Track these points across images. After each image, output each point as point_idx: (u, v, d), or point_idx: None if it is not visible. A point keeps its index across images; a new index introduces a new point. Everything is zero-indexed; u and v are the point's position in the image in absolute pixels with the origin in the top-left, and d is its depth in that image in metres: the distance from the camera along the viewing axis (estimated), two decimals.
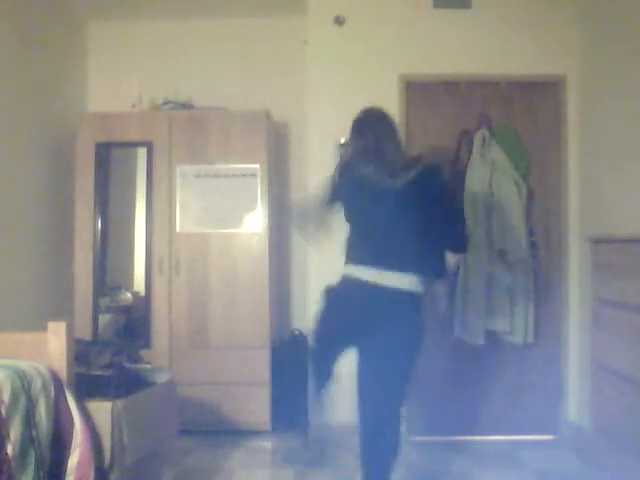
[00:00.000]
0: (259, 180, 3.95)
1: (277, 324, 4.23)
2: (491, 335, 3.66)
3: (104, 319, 4.07)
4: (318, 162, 3.81)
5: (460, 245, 2.64)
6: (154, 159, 3.99)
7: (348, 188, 2.60)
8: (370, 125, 2.61)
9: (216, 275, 3.94)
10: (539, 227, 3.82)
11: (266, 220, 3.95)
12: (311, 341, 2.74)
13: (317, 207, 2.72)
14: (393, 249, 2.48)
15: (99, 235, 4.02)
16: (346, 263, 2.57)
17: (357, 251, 2.55)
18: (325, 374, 2.72)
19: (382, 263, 2.44)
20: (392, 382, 2.50)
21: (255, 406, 3.88)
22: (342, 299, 2.57)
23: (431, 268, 2.53)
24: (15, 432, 1.90)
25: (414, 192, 2.45)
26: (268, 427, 3.89)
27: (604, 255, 2.80)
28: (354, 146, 2.64)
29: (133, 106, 4.13)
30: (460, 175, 3.72)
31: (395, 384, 2.51)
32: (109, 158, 4.11)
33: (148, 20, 4.47)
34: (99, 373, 2.41)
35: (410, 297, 2.46)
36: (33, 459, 1.94)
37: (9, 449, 1.87)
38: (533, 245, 3.73)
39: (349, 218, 2.61)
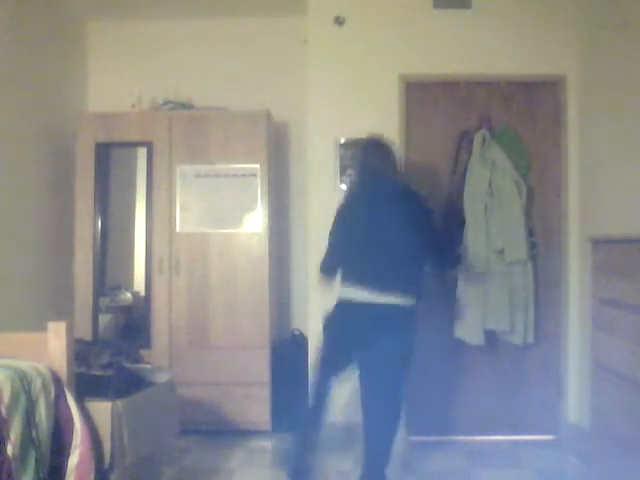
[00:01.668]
0: (259, 180, 3.95)
1: (277, 324, 4.23)
2: (491, 335, 3.66)
3: (104, 319, 4.07)
4: (318, 162, 3.81)
5: (448, 267, 3.05)
6: (154, 159, 3.98)
7: (344, 216, 2.87)
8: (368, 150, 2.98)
9: (216, 275, 3.94)
10: (539, 227, 3.81)
11: (266, 220, 3.95)
12: (313, 366, 2.93)
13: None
14: (385, 271, 2.69)
15: (99, 235, 4.02)
16: (343, 285, 2.78)
17: (352, 273, 2.76)
18: (321, 398, 2.83)
19: (376, 285, 2.66)
20: (393, 386, 2.72)
21: (255, 406, 3.88)
22: (340, 321, 2.78)
23: (415, 289, 2.74)
24: (15, 432, 1.90)
25: (398, 205, 2.75)
26: (268, 427, 3.89)
27: (604, 255, 2.80)
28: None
29: (133, 106, 4.12)
30: (459, 178, 3.73)
31: (396, 387, 2.72)
32: (109, 158, 4.12)
33: (148, 20, 4.47)
34: (99, 373, 2.41)
35: (403, 310, 2.69)
36: (33, 459, 1.93)
37: (9, 449, 1.87)
38: (533, 245, 3.73)
39: (342, 242, 2.84)
